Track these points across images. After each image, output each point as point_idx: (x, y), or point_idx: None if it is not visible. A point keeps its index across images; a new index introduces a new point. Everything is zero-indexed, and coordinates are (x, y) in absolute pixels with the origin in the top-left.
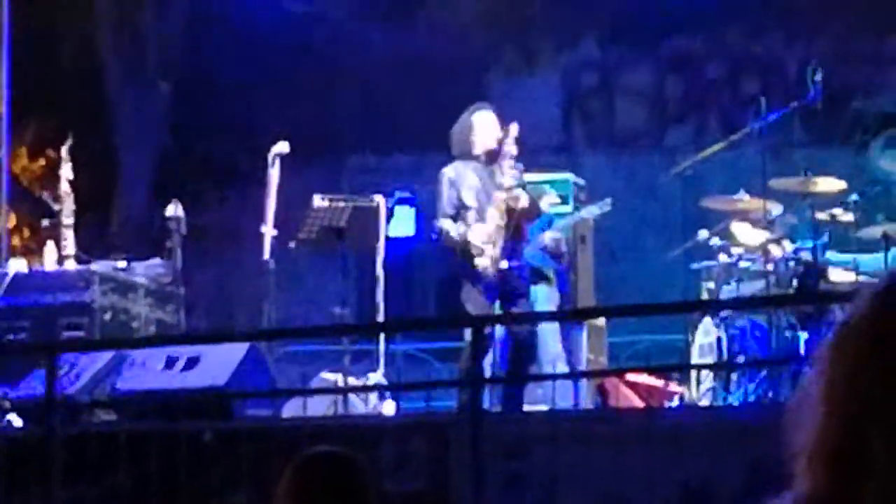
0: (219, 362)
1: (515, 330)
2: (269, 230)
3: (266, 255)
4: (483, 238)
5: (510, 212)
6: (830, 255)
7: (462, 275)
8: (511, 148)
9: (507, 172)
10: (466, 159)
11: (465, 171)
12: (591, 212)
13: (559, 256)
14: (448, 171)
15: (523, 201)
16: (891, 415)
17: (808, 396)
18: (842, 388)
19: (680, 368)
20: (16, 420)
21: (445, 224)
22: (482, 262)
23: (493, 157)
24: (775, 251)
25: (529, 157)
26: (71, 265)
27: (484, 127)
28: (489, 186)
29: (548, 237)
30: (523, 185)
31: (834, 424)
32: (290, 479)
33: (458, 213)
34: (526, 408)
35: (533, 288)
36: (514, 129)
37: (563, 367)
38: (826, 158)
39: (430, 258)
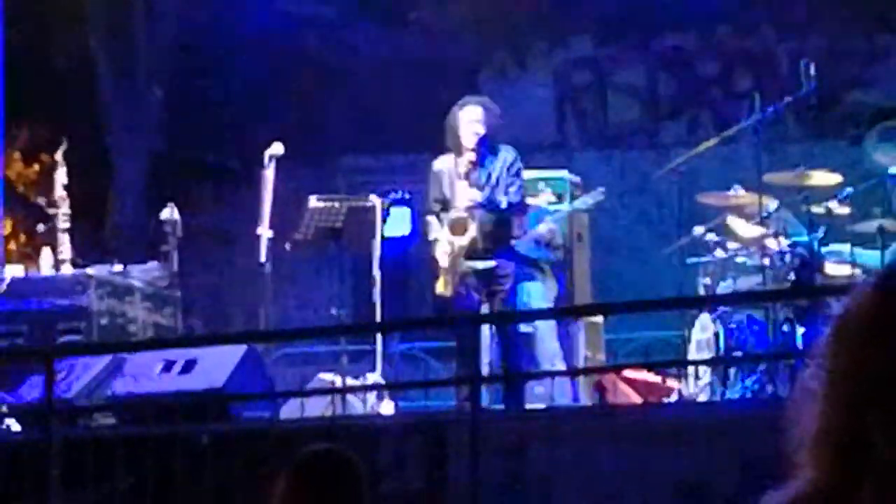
0: (216, 365)
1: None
2: (265, 232)
3: (262, 257)
4: (441, 259)
5: (453, 250)
6: (828, 248)
7: None
8: (469, 143)
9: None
10: (457, 153)
11: (450, 164)
12: (585, 202)
13: (555, 247)
14: (435, 164)
15: (469, 234)
16: (890, 406)
17: (808, 389)
18: (842, 381)
19: (677, 364)
20: (14, 425)
21: (431, 221)
22: (439, 287)
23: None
24: (771, 245)
25: (524, 155)
26: (67, 270)
27: (466, 122)
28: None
29: (543, 227)
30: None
31: (834, 417)
32: (287, 478)
33: (445, 206)
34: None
35: (526, 285)
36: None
37: (560, 365)
38: (820, 152)
39: (426, 257)
